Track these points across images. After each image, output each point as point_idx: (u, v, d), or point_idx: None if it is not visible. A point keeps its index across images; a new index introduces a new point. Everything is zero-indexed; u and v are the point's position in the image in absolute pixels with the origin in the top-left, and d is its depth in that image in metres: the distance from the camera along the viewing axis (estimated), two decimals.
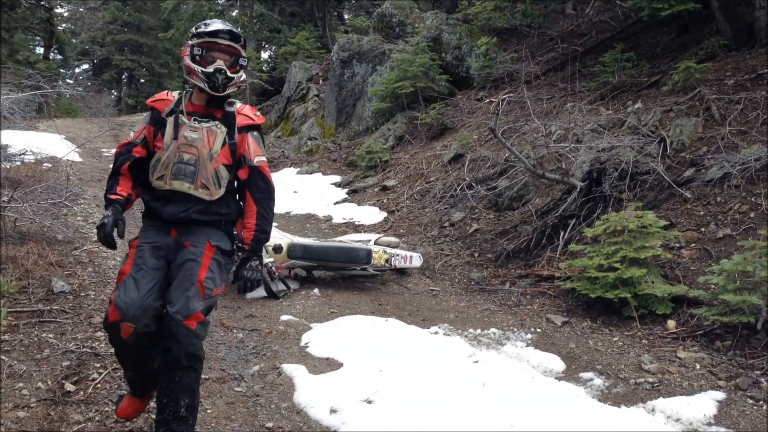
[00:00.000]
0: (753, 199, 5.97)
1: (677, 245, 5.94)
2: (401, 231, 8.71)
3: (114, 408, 3.48)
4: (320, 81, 17.65)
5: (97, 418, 3.52)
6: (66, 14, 32.87)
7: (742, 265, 4.55)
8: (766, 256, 4.57)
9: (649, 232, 5.46)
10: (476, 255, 7.51)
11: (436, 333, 5.29)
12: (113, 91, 36.46)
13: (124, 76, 35.71)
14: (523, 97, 9.93)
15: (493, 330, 5.39)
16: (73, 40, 32.35)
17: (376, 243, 6.88)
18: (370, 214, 9.66)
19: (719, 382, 4.23)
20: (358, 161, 12.11)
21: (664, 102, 8.13)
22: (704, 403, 3.92)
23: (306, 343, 4.96)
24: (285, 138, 16.31)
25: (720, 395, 4.03)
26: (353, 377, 4.30)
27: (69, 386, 3.81)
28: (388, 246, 6.86)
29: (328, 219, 9.94)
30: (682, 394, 4.08)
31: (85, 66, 37.57)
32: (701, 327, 4.92)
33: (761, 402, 3.92)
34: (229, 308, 5.72)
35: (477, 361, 4.57)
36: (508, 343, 5.09)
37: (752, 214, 5.83)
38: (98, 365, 4.10)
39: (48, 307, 4.87)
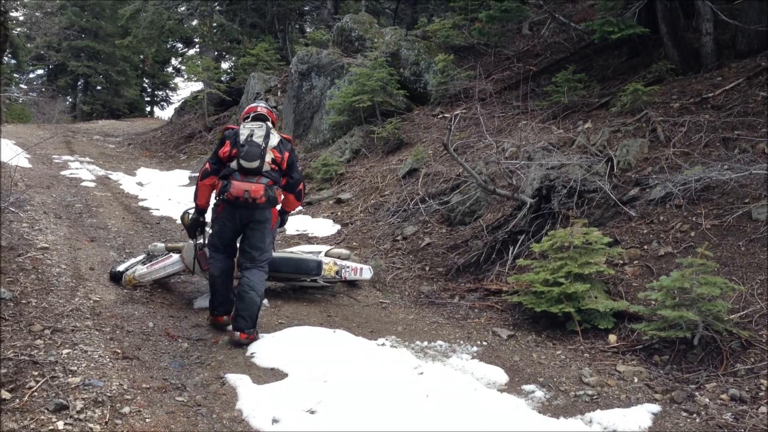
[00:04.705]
0: (694, 219, 6.16)
1: (621, 262, 6.09)
2: (354, 244, 8.74)
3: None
4: (279, 93, 17.62)
5: (32, 426, 3.44)
6: (21, 18, 32.34)
7: (680, 282, 4.68)
8: (703, 273, 4.71)
9: (594, 249, 5.58)
10: (427, 268, 7.56)
11: (383, 345, 5.32)
12: (68, 97, 35.80)
13: (79, 83, 35.09)
14: (477, 113, 10.08)
15: (439, 342, 5.44)
16: (28, 45, 31.76)
17: (326, 254, 6.89)
18: (324, 227, 9.65)
19: (655, 395, 4.34)
20: (313, 173, 12.10)
21: (612, 123, 8.34)
22: (640, 416, 4.01)
23: (252, 353, 4.93)
24: None
25: (656, 408, 4.13)
26: (297, 387, 4.29)
27: (5, 394, 3.72)
28: (338, 258, 6.88)
29: (281, 230, 9.91)
30: (619, 407, 4.17)
31: (40, 71, 36.85)
32: (641, 341, 5.05)
33: (694, 415, 4.04)
34: (176, 318, 5.66)
35: (422, 373, 4.60)
36: (453, 356, 5.15)
37: (693, 233, 6.01)
38: (36, 373, 4.01)
39: None
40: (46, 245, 6.86)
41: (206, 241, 5.95)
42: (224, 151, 5.24)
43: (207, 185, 5.42)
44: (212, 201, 5.54)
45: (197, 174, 5.83)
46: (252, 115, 5.50)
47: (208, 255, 5.64)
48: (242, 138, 5.21)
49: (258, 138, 5.21)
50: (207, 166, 5.39)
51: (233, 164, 5.20)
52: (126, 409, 3.75)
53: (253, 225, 5.29)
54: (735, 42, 8.94)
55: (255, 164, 5.17)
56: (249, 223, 5.27)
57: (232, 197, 5.09)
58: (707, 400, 4.18)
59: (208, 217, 5.84)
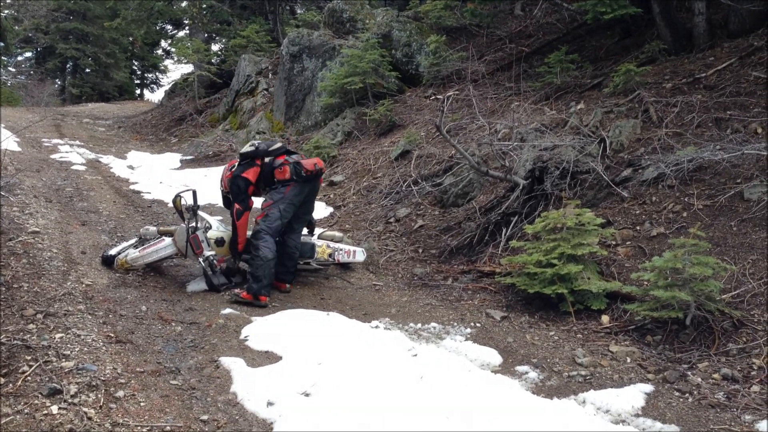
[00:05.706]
0: (686, 199, 6.17)
1: (613, 243, 6.10)
2: (347, 226, 8.73)
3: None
4: (270, 75, 17.50)
5: (26, 410, 3.44)
6: (8, 0, 31.90)
7: (673, 262, 4.69)
8: (695, 253, 4.72)
9: (587, 230, 5.58)
10: (420, 251, 7.56)
11: (376, 327, 5.32)
12: (57, 80, 35.43)
13: (68, 65, 34.73)
14: (470, 95, 10.05)
15: (433, 324, 5.45)
16: (16, 27, 31.36)
17: (319, 237, 6.88)
18: (317, 209, 9.60)
19: (648, 375, 4.37)
20: (306, 156, 12.03)
21: (605, 103, 8.32)
22: (633, 395, 4.04)
23: (246, 337, 4.93)
24: (233, 132, 16.14)
25: (648, 388, 4.16)
26: (292, 370, 4.30)
27: None
28: (331, 240, 6.86)
29: None
30: (612, 387, 4.20)
31: (28, 54, 36.45)
32: (633, 322, 5.07)
33: (687, 394, 4.07)
34: (169, 301, 5.64)
35: (416, 355, 4.61)
36: (447, 337, 5.16)
37: (685, 214, 6.03)
38: (29, 358, 4.00)
39: None
40: (37, 229, 6.82)
41: (197, 225, 5.95)
42: (255, 175, 6.03)
43: (245, 222, 6.09)
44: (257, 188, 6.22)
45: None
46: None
47: (259, 240, 5.86)
48: (251, 150, 6.11)
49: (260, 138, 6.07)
50: (238, 206, 6.00)
51: (267, 159, 6.04)
52: (120, 393, 3.75)
53: (311, 196, 6.24)
54: (727, 22, 8.90)
55: (279, 144, 6.22)
56: (311, 193, 6.22)
57: (308, 172, 5.92)
58: (699, 379, 4.21)
59: (200, 201, 5.90)
